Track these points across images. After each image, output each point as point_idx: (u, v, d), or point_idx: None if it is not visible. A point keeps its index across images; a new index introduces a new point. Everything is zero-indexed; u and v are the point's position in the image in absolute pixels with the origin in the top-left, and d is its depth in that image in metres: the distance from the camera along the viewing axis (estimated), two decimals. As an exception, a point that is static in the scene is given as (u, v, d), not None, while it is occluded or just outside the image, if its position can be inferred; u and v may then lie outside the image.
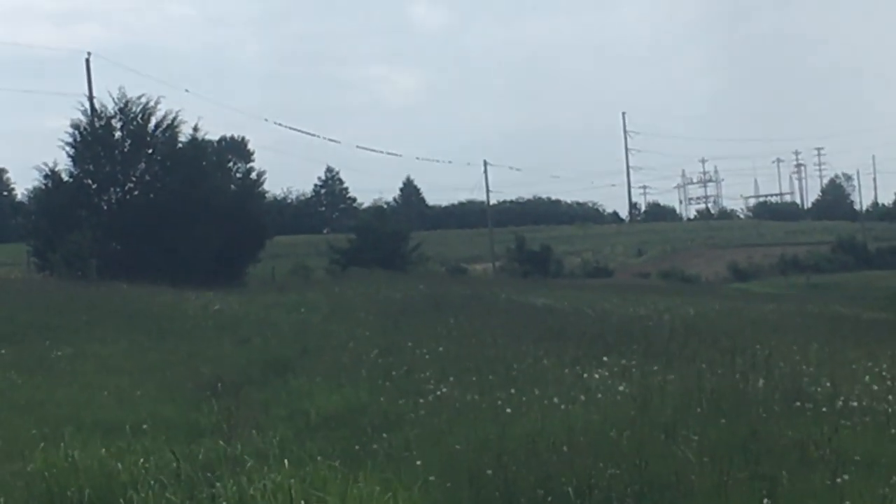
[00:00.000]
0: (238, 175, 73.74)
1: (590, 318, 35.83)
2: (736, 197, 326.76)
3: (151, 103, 62.02)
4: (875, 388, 17.97)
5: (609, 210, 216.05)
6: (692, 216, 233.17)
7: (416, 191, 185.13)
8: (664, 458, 12.76)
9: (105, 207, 61.13)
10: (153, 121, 62.10)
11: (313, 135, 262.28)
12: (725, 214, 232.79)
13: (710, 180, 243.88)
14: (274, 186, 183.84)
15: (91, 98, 68.18)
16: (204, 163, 64.65)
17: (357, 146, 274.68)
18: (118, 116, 61.94)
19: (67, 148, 61.63)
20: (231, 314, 35.47)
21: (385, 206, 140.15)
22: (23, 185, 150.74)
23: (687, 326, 31.32)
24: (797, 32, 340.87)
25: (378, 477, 12.32)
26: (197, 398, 19.41)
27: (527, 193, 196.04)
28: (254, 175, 72.40)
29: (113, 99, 62.12)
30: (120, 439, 14.89)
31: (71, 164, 61.74)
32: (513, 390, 17.78)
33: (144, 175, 62.08)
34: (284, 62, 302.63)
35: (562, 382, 18.54)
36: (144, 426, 15.86)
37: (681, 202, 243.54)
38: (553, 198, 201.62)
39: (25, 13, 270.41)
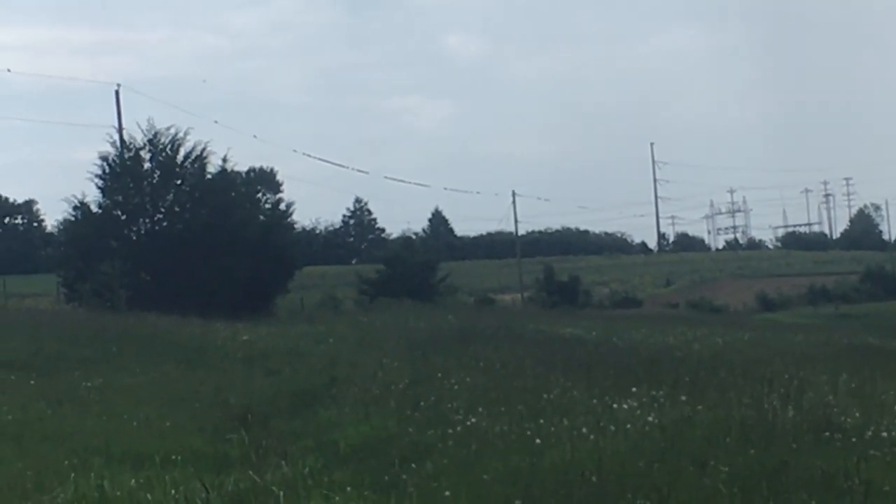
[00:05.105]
0: (267, 206, 74.07)
1: (619, 349, 35.73)
2: (764, 227, 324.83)
3: (180, 134, 62.50)
4: (905, 418, 17.84)
5: (637, 240, 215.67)
6: (720, 246, 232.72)
7: (445, 221, 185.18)
8: (693, 488, 12.72)
9: (134, 238, 61.45)
10: (182, 152, 62.49)
11: (342, 166, 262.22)
12: (754, 244, 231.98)
13: (739, 210, 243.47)
14: (303, 217, 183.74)
15: (120, 129, 68.64)
16: (233, 194, 64.98)
17: (385, 177, 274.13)
18: (147, 148, 62.30)
19: (97, 179, 62.18)
20: (260, 345, 35.55)
21: (413, 237, 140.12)
22: (52, 216, 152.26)
23: (716, 357, 31.18)
24: (825, 62, 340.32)
25: (407, 507, 12.32)
26: (226, 429, 19.46)
27: (555, 224, 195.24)
28: (283, 206, 72.92)
29: (142, 130, 62.64)
30: (149, 470, 14.94)
31: (100, 195, 62.26)
32: (542, 421, 17.73)
33: (173, 206, 62.39)
34: (314, 93, 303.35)
35: (591, 413, 18.47)
36: (173, 457, 15.92)
37: (709, 232, 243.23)
38: (581, 228, 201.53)
39: (57, 46, 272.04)
